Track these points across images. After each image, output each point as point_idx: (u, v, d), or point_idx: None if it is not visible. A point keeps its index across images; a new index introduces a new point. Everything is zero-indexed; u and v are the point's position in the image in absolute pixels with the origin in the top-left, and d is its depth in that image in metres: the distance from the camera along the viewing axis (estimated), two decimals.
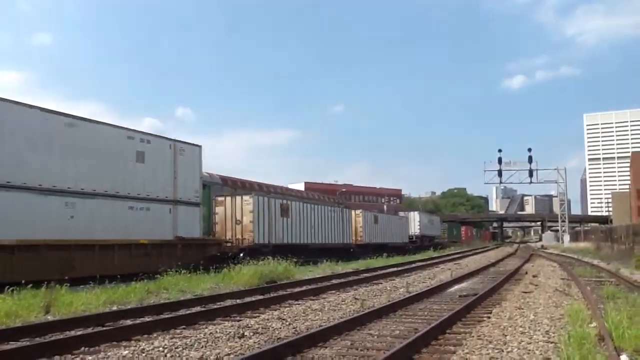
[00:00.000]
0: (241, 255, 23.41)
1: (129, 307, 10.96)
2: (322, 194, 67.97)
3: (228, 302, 11.75)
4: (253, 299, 12.36)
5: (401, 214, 57.07)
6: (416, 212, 59.00)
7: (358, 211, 40.95)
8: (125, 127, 18.40)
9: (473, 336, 7.73)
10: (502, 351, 6.70)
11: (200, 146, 21.56)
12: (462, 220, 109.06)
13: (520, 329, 8.17)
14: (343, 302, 11.79)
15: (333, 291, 14.34)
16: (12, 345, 7.35)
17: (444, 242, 66.77)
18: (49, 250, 14.67)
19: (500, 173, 62.78)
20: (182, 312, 10.35)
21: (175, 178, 19.93)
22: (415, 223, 55.39)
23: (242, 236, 25.19)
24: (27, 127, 14.90)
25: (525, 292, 13.31)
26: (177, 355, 6.67)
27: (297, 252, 25.75)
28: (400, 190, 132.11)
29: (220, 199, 25.49)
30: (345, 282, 16.32)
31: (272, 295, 13.12)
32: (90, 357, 6.57)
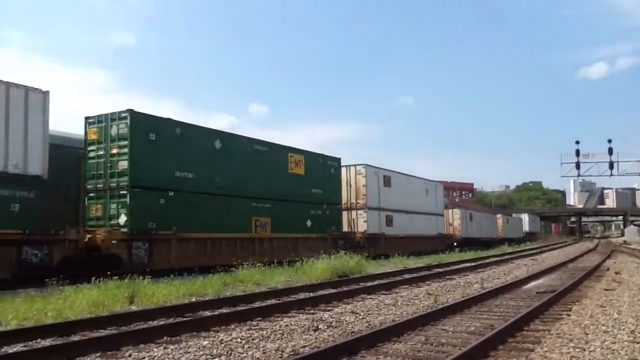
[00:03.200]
0: (455, 244, 42.50)
1: (206, 298, 11.34)
2: None
3: (302, 295, 11.95)
4: (326, 292, 12.50)
5: (514, 215, 78.32)
6: (525, 214, 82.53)
7: (499, 215, 62.16)
8: (422, 177, 37.87)
9: (552, 334, 7.50)
10: (584, 350, 6.47)
11: (440, 184, 42.38)
12: (538, 214, 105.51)
13: (603, 327, 7.86)
14: (416, 297, 11.72)
15: (405, 286, 14.27)
16: (101, 333, 7.79)
17: (541, 237, 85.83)
18: (411, 239, 33.36)
19: (578, 165, 59.77)
20: (258, 304, 10.61)
21: (436, 202, 39.28)
22: (525, 222, 78.13)
23: (453, 232, 44.07)
24: (400, 184, 32.93)
25: (608, 290, 12.78)
26: (254, 346, 6.84)
27: (475, 243, 45.45)
28: (472, 184, 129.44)
29: None
30: (418, 277, 16.21)
31: (344, 289, 13.22)
32: (172, 347, 6.83)
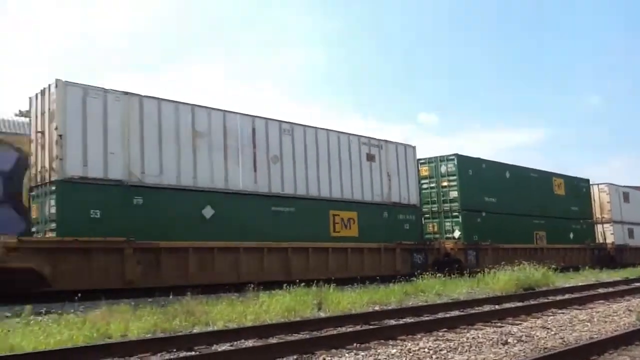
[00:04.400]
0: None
1: (390, 307, 11.55)
2: None
3: (486, 308, 11.66)
4: (512, 305, 12.04)
5: None
6: None
7: None
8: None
9: None
10: None
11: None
12: None
13: None
14: (614, 314, 10.82)
15: (601, 301, 13.22)
16: (295, 337, 8.31)
17: None
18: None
19: None
20: (441, 315, 10.57)
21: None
22: None
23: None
24: (636, 199, 35.11)
25: None
26: (442, 357, 6.81)
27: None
28: None
29: None
30: (615, 292, 14.93)
31: (531, 302, 12.64)
32: (362, 353, 7.06)
